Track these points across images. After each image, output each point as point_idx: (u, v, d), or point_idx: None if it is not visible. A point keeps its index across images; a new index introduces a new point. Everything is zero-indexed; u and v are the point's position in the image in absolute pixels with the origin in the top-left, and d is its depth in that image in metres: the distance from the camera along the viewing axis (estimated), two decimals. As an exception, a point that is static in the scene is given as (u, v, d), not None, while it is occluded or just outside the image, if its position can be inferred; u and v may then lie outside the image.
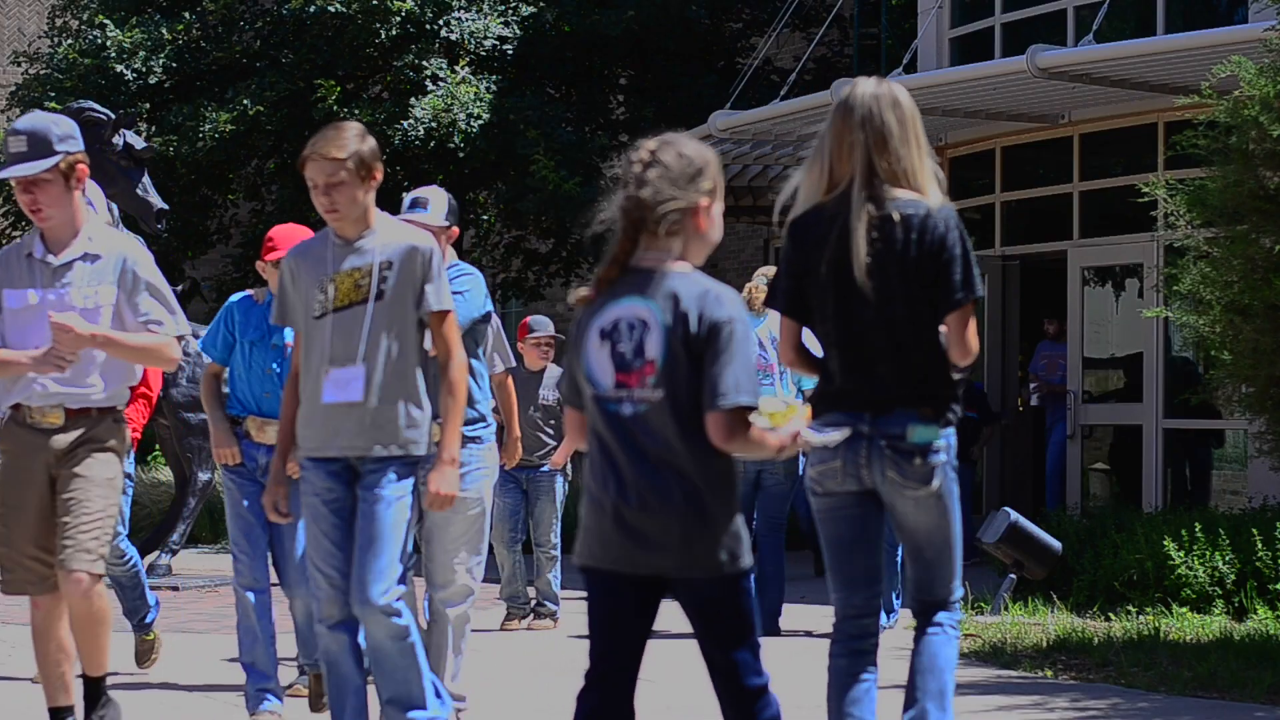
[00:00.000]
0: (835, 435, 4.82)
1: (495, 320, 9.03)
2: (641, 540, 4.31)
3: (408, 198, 7.24)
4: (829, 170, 5.16)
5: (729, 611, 4.41)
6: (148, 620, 8.82)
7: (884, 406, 5.06)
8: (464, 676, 8.96)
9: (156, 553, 13.52)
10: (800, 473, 11.36)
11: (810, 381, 10.88)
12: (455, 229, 7.19)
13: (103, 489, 6.15)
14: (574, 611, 11.90)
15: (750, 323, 11.30)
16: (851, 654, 5.21)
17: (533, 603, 11.20)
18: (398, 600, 5.79)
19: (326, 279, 5.84)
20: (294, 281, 5.95)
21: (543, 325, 11.31)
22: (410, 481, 5.91)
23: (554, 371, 11.21)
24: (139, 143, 13.41)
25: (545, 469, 10.92)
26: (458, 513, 7.03)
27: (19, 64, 21.66)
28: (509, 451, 9.26)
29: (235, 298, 7.55)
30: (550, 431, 11.04)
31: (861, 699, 5.18)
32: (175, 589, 13.04)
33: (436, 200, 7.18)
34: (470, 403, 6.92)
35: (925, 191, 5.06)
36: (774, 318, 10.74)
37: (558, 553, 10.99)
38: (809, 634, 10.65)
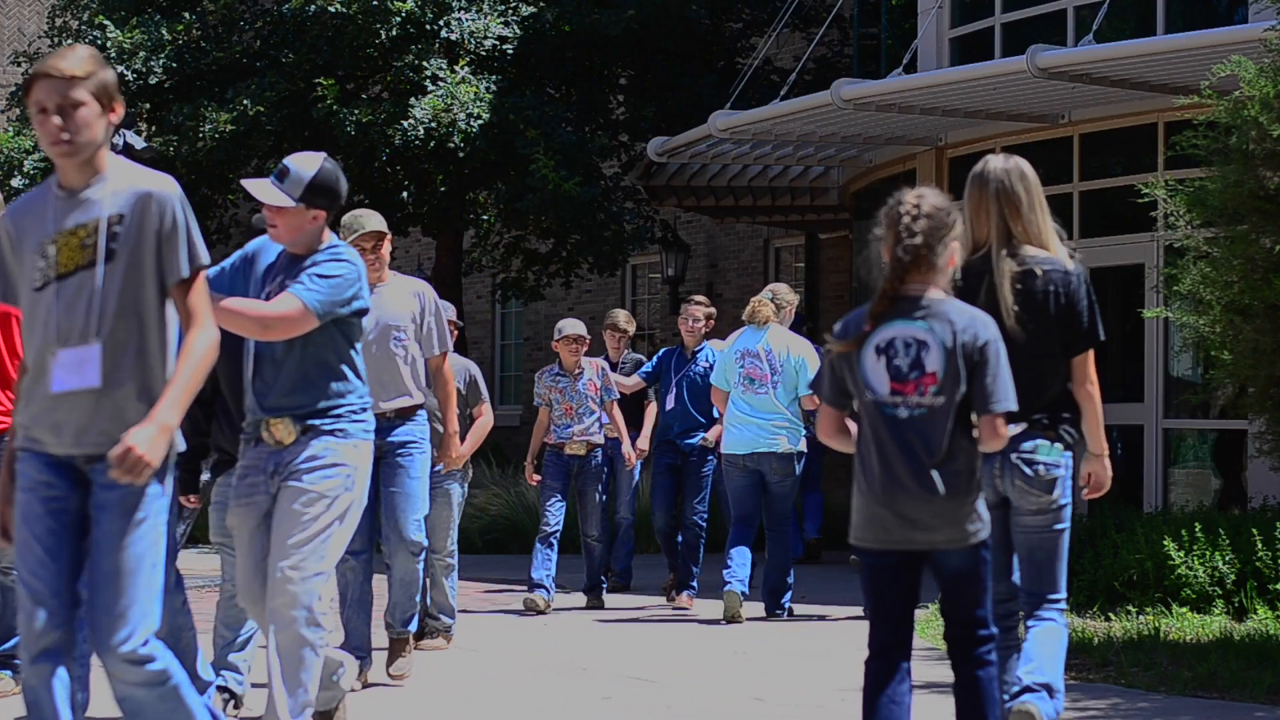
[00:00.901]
0: (1014, 429, 5.86)
1: (431, 299, 8.49)
2: (916, 521, 5.18)
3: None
4: (970, 234, 6.10)
5: (977, 574, 5.29)
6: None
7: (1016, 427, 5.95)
8: (460, 676, 8.96)
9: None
10: (797, 474, 11.56)
11: (807, 386, 11.69)
12: (321, 212, 6.32)
13: None
14: (566, 613, 11.90)
15: (752, 335, 11.46)
16: (1003, 630, 6.04)
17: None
18: (146, 645, 4.73)
19: (47, 240, 4.81)
20: (14, 247, 4.90)
21: None
22: (165, 489, 4.83)
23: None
24: (139, 143, 13.41)
25: (438, 469, 9.47)
26: (298, 513, 6.10)
27: (19, 64, 21.66)
28: (445, 450, 8.75)
29: None
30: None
31: (1011, 665, 6.11)
32: (175, 589, 13.04)
33: (295, 174, 6.32)
34: (337, 389, 6.23)
35: (1051, 248, 6.08)
36: (774, 330, 11.51)
37: (454, 561, 9.87)
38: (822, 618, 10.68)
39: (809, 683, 8.69)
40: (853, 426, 5.39)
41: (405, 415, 8.40)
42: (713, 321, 12.61)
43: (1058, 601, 6.15)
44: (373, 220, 8.27)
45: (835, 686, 8.49)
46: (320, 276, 6.16)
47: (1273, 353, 9.27)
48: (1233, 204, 9.25)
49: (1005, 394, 5.21)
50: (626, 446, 12.43)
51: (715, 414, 12.16)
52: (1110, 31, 14.44)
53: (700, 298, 12.74)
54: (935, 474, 5.18)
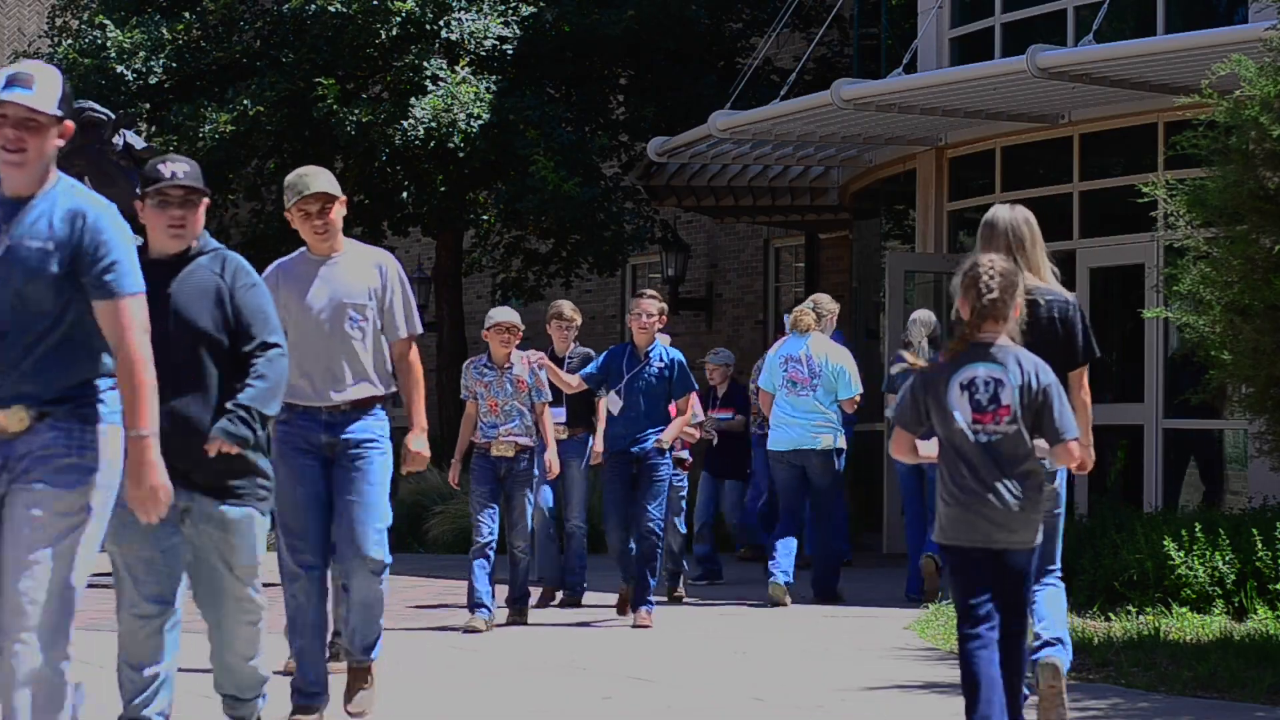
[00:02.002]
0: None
1: (395, 271, 7.39)
2: (992, 523, 6.23)
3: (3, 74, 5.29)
4: None
5: (1030, 574, 6.38)
6: None
7: None
8: (460, 676, 8.96)
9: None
10: (838, 469, 12.43)
11: (846, 391, 12.46)
12: (70, 124, 5.25)
13: None
14: (566, 613, 11.89)
15: (795, 341, 12.26)
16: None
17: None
18: None
19: None
20: None
21: None
22: None
23: None
24: (139, 143, 13.39)
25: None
26: (38, 520, 5.07)
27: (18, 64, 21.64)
28: (407, 450, 7.49)
29: None
30: None
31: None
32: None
33: (45, 81, 5.23)
34: (89, 365, 5.24)
35: (1045, 279, 7.22)
36: (816, 338, 12.51)
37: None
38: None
39: (809, 683, 8.69)
40: (922, 446, 6.43)
41: (362, 408, 7.24)
42: (665, 318, 11.37)
43: (1055, 571, 7.26)
44: (319, 180, 7.26)
45: (835, 686, 8.49)
46: (120, 252, 5.18)
47: (1273, 353, 9.26)
48: (1233, 204, 9.24)
49: (1071, 424, 6.31)
50: (550, 453, 11.13)
51: (671, 417, 11.21)
52: (1110, 31, 14.44)
53: (652, 291, 11.51)
54: (1006, 486, 6.26)
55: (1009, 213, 7.31)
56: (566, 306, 12.25)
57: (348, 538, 7.20)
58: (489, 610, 10.70)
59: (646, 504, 11.05)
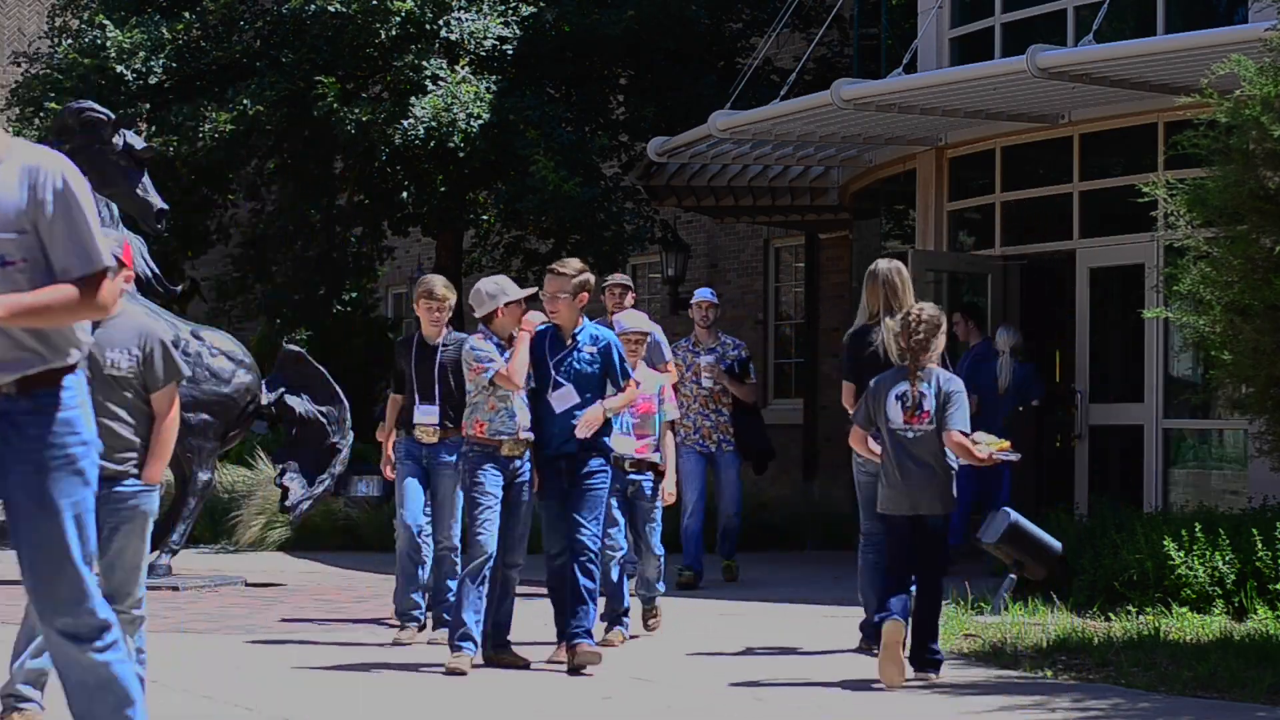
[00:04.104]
0: (1012, 457, 8.85)
1: (57, 174, 4.72)
2: (916, 496, 8.62)
3: None
4: (868, 307, 9.55)
5: (943, 535, 8.74)
6: None
7: None
8: (460, 676, 8.94)
9: (156, 552, 13.51)
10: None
11: None
12: None
13: None
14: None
15: None
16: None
17: None
18: None
19: None
20: None
21: None
22: None
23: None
24: (139, 143, 13.40)
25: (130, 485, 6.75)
26: None
27: (19, 64, 21.66)
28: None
29: None
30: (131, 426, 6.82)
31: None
32: (175, 589, 13.04)
33: None
34: None
35: None
36: None
37: (142, 611, 6.90)
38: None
39: (809, 683, 8.69)
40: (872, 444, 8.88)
41: (35, 388, 4.79)
42: (587, 294, 9.46)
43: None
44: None
45: (836, 686, 8.50)
46: None
47: (1273, 353, 9.27)
48: (1233, 204, 9.25)
49: (961, 422, 8.61)
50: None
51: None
52: (1110, 31, 14.43)
53: (563, 264, 9.65)
54: (927, 469, 8.59)
55: (886, 264, 9.47)
56: (438, 283, 10.24)
57: (32, 582, 4.85)
58: (476, 645, 9.01)
59: (579, 517, 9.11)
